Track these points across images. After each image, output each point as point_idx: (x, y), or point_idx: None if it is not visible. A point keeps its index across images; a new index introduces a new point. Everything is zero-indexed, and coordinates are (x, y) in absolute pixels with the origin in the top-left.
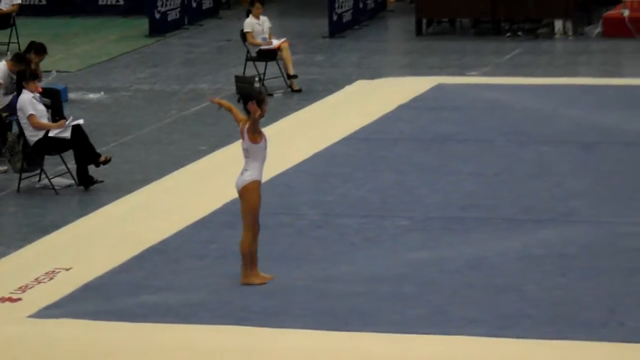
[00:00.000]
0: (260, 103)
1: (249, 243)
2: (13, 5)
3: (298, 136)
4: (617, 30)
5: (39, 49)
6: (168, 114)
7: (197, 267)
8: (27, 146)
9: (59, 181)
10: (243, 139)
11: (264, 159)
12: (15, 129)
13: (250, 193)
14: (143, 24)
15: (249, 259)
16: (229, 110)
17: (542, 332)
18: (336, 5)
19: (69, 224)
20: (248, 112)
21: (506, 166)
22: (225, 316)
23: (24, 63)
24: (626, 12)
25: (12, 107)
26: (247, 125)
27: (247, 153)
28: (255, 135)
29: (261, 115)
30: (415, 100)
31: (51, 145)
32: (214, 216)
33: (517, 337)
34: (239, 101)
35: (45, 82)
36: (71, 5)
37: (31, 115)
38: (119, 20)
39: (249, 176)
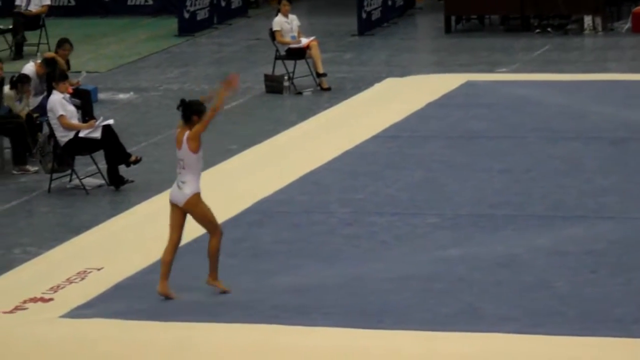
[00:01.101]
0: (202, 114)
1: (214, 246)
2: (42, 6)
3: (328, 134)
4: None
5: (59, 43)
6: None
7: (228, 265)
8: (58, 147)
9: (89, 181)
10: (179, 148)
11: (199, 170)
12: (45, 129)
13: (195, 206)
14: (172, 23)
15: (216, 261)
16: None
17: (573, 329)
18: (365, 3)
19: (100, 223)
20: (187, 122)
21: (536, 163)
22: (257, 314)
23: (52, 65)
24: None
25: (42, 108)
26: (186, 134)
27: (182, 163)
28: (196, 143)
29: (205, 126)
30: (444, 97)
31: (82, 146)
32: (245, 215)
33: (548, 334)
34: (178, 108)
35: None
36: (100, 6)
37: (61, 115)
38: (148, 20)
39: (189, 190)
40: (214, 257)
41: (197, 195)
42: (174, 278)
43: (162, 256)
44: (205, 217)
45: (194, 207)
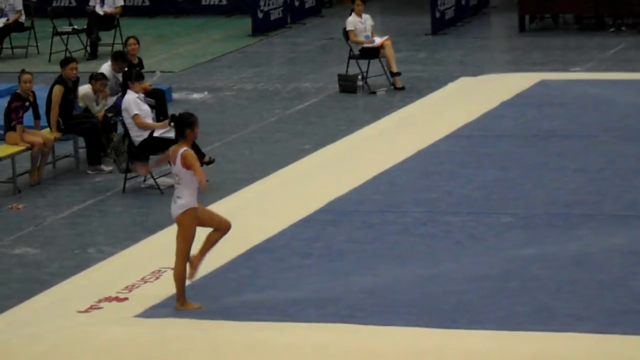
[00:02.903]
0: (193, 126)
1: (180, 270)
2: (116, 7)
3: (401, 134)
4: None
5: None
6: (271, 113)
7: (302, 265)
8: (132, 146)
9: (164, 181)
10: (174, 163)
11: (195, 186)
12: (120, 129)
13: (185, 221)
14: (246, 23)
15: (181, 287)
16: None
17: None
18: (439, 3)
19: (174, 223)
20: (181, 136)
21: (610, 162)
22: (331, 314)
23: (124, 60)
24: None
25: (117, 108)
26: (180, 152)
27: (178, 179)
28: (191, 160)
29: (194, 137)
30: (518, 96)
31: (156, 145)
32: (318, 214)
33: (624, 333)
34: (170, 124)
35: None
36: (174, 6)
37: (136, 115)
38: (222, 20)
39: (184, 204)
40: (178, 281)
41: (191, 210)
42: (245, 277)
43: (176, 275)
44: (184, 235)
45: (183, 221)
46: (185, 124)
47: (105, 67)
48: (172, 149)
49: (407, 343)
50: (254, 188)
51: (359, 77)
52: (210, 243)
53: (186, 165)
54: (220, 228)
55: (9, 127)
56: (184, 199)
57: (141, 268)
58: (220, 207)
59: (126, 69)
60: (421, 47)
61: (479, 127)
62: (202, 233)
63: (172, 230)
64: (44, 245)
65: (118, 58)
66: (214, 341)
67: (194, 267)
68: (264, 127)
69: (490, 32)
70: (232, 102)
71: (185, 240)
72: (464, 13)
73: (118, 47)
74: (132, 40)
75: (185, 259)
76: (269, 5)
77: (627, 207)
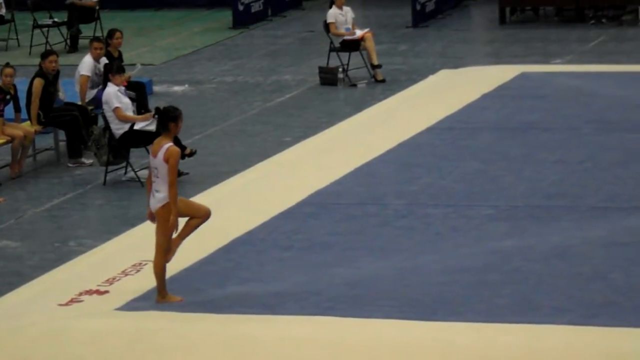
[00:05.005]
0: (177, 120)
1: (159, 264)
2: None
3: (382, 126)
4: None
5: (109, 33)
6: (252, 105)
7: (283, 258)
8: (113, 139)
9: (144, 173)
10: (155, 156)
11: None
12: (100, 122)
13: (164, 215)
14: (226, 16)
15: (161, 280)
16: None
17: (629, 320)
18: None
19: None
20: (165, 130)
21: (591, 154)
22: (312, 307)
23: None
24: None
25: (97, 101)
26: (165, 144)
27: (156, 172)
28: (173, 163)
29: (177, 131)
30: (499, 89)
31: (137, 138)
32: (299, 207)
33: (604, 325)
34: (154, 117)
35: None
36: None
37: (117, 108)
38: (203, 12)
39: (163, 198)
40: (158, 276)
41: (168, 205)
42: (226, 270)
43: (156, 269)
44: (163, 229)
45: (160, 216)
46: (169, 117)
47: (87, 60)
48: (155, 141)
49: (388, 335)
50: (235, 181)
51: (340, 69)
52: (189, 228)
53: (167, 160)
54: (200, 215)
55: None
56: (162, 193)
57: (122, 261)
58: (200, 200)
59: (107, 61)
60: (402, 40)
61: (460, 120)
62: (182, 222)
63: (152, 224)
64: (25, 239)
65: (92, 42)
66: (195, 334)
67: (172, 252)
68: (244, 120)
69: (470, 25)
70: (213, 94)
71: (164, 233)
72: (444, 5)
73: None
74: (118, 34)
75: (164, 253)
76: None
77: (608, 199)
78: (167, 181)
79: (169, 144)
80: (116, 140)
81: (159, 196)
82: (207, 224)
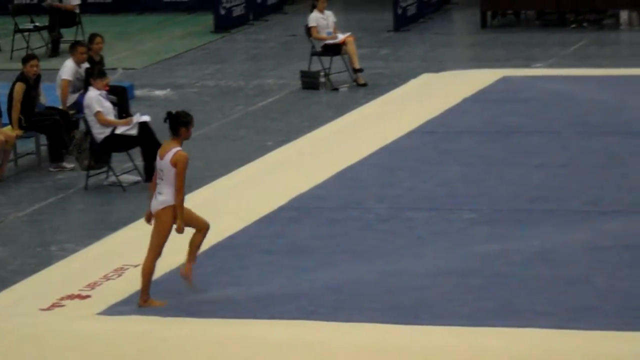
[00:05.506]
0: (189, 125)
1: (149, 266)
2: (72, 5)
3: (364, 130)
4: None
5: (90, 38)
6: (234, 109)
7: (265, 262)
8: (94, 144)
9: (126, 178)
10: (162, 158)
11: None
12: (82, 126)
13: (163, 217)
14: (208, 20)
15: (147, 282)
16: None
17: (611, 323)
18: None
19: (137, 220)
20: (175, 134)
21: (573, 158)
22: (294, 311)
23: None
24: None
25: (78, 105)
26: (174, 147)
27: (161, 174)
28: (181, 167)
29: (188, 137)
30: (480, 92)
31: (118, 143)
32: (281, 211)
33: (586, 329)
34: (165, 121)
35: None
36: (136, 3)
37: (98, 112)
38: (184, 16)
39: (165, 201)
40: (145, 278)
41: (170, 207)
42: (208, 274)
43: (144, 270)
44: (159, 232)
45: (159, 218)
46: (181, 122)
47: (69, 64)
48: (163, 144)
49: (370, 339)
50: (217, 185)
51: (322, 73)
52: (194, 247)
53: (175, 164)
54: (200, 229)
55: None
56: (164, 196)
57: (104, 265)
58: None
59: (88, 66)
60: (383, 44)
61: (442, 123)
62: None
63: (134, 227)
64: (6, 243)
65: (74, 47)
66: (177, 338)
67: (189, 279)
68: (226, 124)
69: (452, 29)
70: (195, 99)
71: (160, 235)
72: (426, 9)
73: None
74: (99, 39)
75: (156, 255)
76: (231, 2)
77: (590, 202)
78: (171, 184)
79: (177, 148)
80: (97, 145)
81: (161, 198)
82: (188, 228)
